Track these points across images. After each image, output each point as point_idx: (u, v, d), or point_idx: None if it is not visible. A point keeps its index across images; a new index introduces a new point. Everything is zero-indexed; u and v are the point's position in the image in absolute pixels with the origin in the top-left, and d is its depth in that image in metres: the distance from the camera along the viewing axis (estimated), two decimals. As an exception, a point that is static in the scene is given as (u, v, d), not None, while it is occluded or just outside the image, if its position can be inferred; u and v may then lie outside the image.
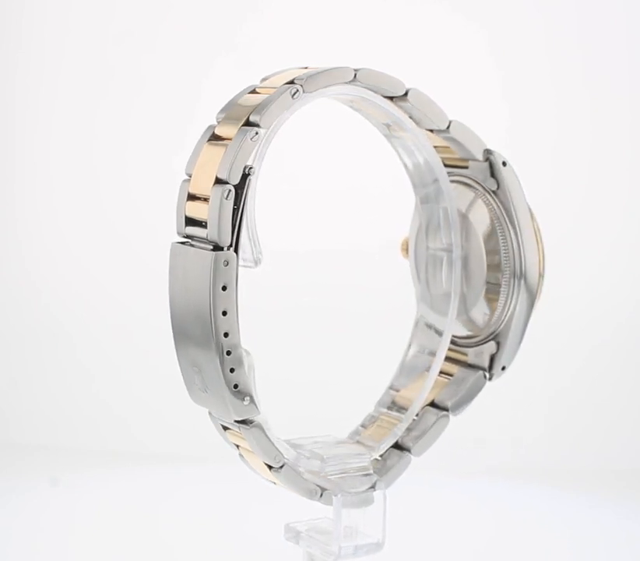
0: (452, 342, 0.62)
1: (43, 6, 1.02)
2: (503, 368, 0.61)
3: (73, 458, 0.94)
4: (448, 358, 0.63)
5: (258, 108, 0.52)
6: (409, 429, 0.61)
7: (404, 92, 0.56)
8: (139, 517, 0.79)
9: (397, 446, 0.61)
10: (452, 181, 0.61)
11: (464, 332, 0.62)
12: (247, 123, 0.52)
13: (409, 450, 0.61)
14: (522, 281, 0.60)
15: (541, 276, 0.60)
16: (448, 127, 0.58)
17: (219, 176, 0.51)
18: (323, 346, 0.96)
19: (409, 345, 0.64)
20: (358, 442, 0.61)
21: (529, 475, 0.91)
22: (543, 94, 1.00)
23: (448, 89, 0.91)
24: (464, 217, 0.61)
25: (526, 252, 0.60)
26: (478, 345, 0.62)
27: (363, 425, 0.63)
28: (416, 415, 0.62)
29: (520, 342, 0.61)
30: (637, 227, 1.01)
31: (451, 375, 0.63)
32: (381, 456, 0.61)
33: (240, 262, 0.52)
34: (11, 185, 1.04)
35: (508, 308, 0.60)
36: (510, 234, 0.60)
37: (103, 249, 1.01)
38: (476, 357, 0.62)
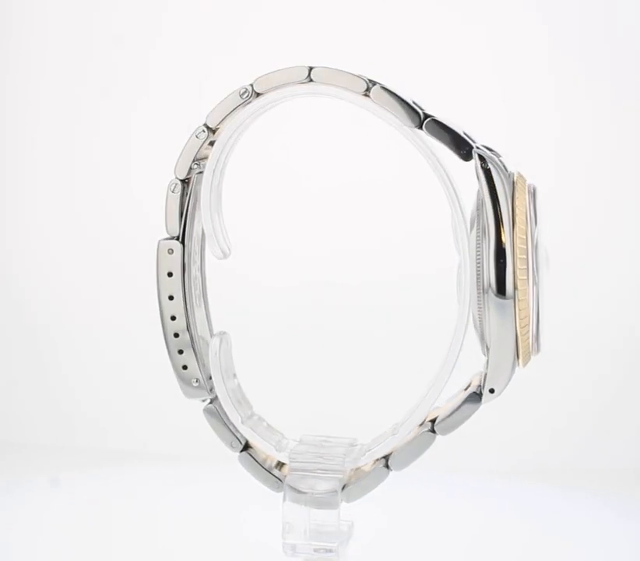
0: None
1: (44, 6, 1.02)
2: (491, 391, 0.56)
3: (73, 458, 0.94)
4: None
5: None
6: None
7: (365, 89, 0.55)
8: (139, 517, 0.79)
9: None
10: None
11: (484, 346, 0.58)
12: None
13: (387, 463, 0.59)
14: (491, 297, 0.54)
15: (517, 289, 0.54)
16: (420, 126, 0.55)
17: (174, 172, 0.55)
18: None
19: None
20: (370, 447, 0.60)
21: (530, 475, 0.91)
22: (543, 95, 1.00)
23: (447, 89, 0.91)
24: (471, 223, 0.58)
25: (491, 264, 0.54)
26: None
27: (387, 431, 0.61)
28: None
29: (507, 365, 0.55)
30: (638, 228, 1.01)
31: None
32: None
33: (218, 254, 0.56)
34: (11, 185, 1.04)
35: (487, 325, 0.55)
36: (483, 242, 0.55)
37: (102, 249, 1.01)
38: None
